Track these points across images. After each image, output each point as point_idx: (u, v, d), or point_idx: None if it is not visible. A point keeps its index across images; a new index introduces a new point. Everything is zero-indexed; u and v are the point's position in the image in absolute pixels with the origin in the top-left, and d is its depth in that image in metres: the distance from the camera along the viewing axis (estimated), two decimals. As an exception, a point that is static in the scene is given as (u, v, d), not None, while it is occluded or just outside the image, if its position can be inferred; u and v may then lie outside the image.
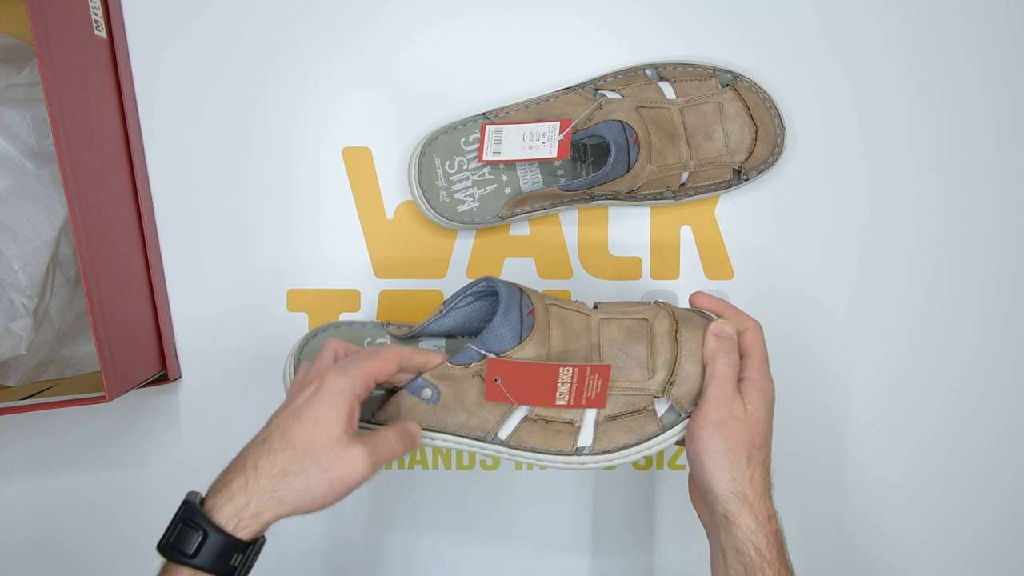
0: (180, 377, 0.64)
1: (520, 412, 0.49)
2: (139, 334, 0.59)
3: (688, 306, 0.54)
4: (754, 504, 0.46)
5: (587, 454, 0.50)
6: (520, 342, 0.47)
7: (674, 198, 0.62)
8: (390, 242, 0.64)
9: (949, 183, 0.64)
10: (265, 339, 0.64)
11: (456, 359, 0.48)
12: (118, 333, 0.55)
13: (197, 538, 0.40)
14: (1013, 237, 0.64)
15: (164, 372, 0.62)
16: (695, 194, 0.62)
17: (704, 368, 0.49)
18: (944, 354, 0.65)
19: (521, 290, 0.50)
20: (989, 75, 0.63)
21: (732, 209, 0.64)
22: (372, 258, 0.64)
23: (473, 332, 0.55)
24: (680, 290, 0.64)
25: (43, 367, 0.63)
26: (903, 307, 0.65)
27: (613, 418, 0.49)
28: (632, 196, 0.60)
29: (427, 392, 0.48)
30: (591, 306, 0.52)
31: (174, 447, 0.65)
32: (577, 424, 0.49)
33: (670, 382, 0.49)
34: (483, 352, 0.47)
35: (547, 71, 0.62)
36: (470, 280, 0.63)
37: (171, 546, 0.41)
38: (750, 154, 0.60)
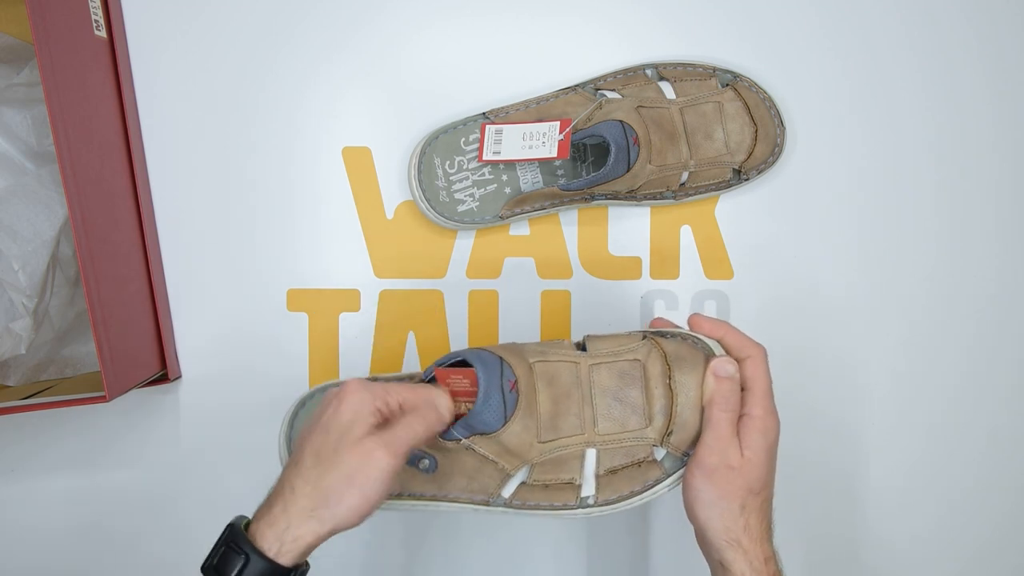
0: (180, 377, 0.64)
1: (517, 476, 0.49)
2: (139, 334, 0.59)
3: (687, 326, 0.51)
4: (749, 550, 0.45)
5: (592, 505, 0.49)
6: (505, 423, 0.47)
7: (674, 198, 0.62)
8: (390, 242, 0.64)
9: (949, 183, 0.64)
10: (265, 339, 0.64)
11: (447, 436, 0.48)
12: (118, 333, 0.55)
13: (239, 562, 0.40)
14: (1013, 236, 0.64)
15: (164, 372, 0.62)
16: (695, 194, 0.62)
17: (703, 411, 0.47)
18: (945, 353, 0.65)
19: (502, 361, 0.48)
20: (989, 74, 0.63)
21: (732, 209, 0.64)
22: (372, 258, 0.64)
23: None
24: (680, 290, 0.64)
25: (43, 367, 0.63)
26: (904, 306, 0.65)
27: (614, 471, 0.48)
28: (632, 196, 0.60)
29: (425, 463, 0.49)
30: (577, 344, 0.50)
31: (174, 447, 0.65)
32: (577, 483, 0.48)
33: (668, 432, 0.47)
34: (468, 433, 0.47)
35: (547, 71, 0.62)
36: (470, 279, 0.63)
37: (213, 568, 0.41)
38: (750, 154, 0.60)
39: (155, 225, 0.63)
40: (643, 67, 0.61)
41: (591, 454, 0.48)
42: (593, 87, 0.60)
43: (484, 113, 0.60)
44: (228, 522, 0.43)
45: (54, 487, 0.65)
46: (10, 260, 0.56)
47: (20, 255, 0.56)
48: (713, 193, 0.62)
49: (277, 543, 0.40)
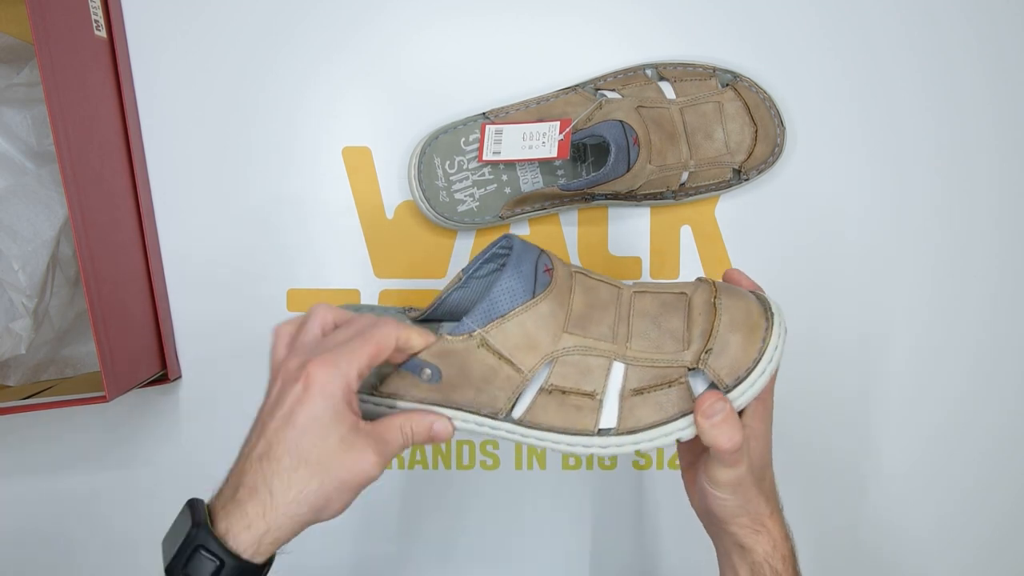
0: (180, 377, 0.64)
1: (534, 382, 0.44)
2: (139, 334, 0.59)
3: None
4: (771, 530, 0.45)
5: (613, 434, 0.43)
6: (533, 297, 0.42)
7: (674, 198, 0.62)
8: (390, 242, 0.64)
9: (949, 182, 0.64)
10: (265, 339, 0.63)
11: (455, 329, 0.42)
12: (118, 333, 0.55)
13: (211, 567, 0.38)
14: (1014, 236, 0.64)
15: (164, 372, 0.62)
16: (695, 194, 0.62)
17: (744, 334, 0.42)
18: (946, 352, 0.65)
19: (542, 250, 0.45)
20: (989, 74, 0.63)
21: (732, 209, 0.64)
22: (372, 258, 0.64)
23: None
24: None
25: (43, 367, 0.63)
26: (904, 305, 0.65)
27: (639, 392, 0.43)
28: (632, 196, 0.60)
29: (426, 372, 0.43)
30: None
31: (174, 447, 0.65)
32: (599, 397, 0.43)
33: (706, 350, 0.42)
34: (484, 321, 0.42)
35: (547, 71, 0.62)
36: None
37: (184, 573, 0.38)
38: (750, 154, 0.60)
39: (155, 225, 0.63)
40: (643, 67, 0.61)
41: (618, 369, 0.43)
42: (593, 87, 0.60)
43: (484, 113, 0.60)
44: (184, 510, 0.41)
45: (54, 487, 0.65)
46: (10, 260, 0.56)
47: (20, 255, 0.56)
48: (713, 193, 0.62)
49: (255, 546, 0.38)
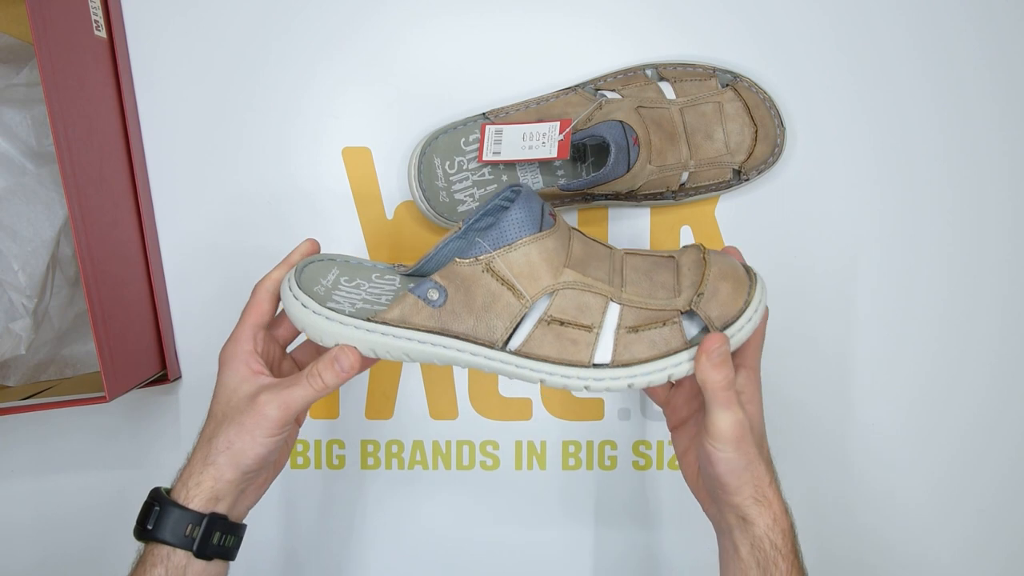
0: (180, 377, 0.64)
1: (533, 312, 0.45)
2: (139, 334, 0.59)
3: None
4: (772, 502, 0.46)
5: (607, 365, 0.45)
6: (540, 231, 0.44)
7: (674, 198, 0.62)
8: (390, 242, 0.64)
9: (950, 181, 0.64)
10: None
11: (465, 253, 0.45)
12: (118, 333, 0.55)
13: (155, 512, 0.46)
14: (1017, 235, 0.64)
15: (164, 372, 0.62)
16: (695, 194, 0.62)
17: (732, 284, 0.46)
18: (947, 350, 0.65)
19: (544, 206, 0.47)
20: (992, 73, 0.63)
21: (732, 209, 0.64)
22: (372, 258, 0.63)
23: None
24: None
25: (43, 367, 0.63)
26: (905, 305, 0.65)
27: (635, 329, 0.45)
28: (632, 196, 0.60)
29: (434, 293, 0.45)
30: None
31: (174, 447, 0.65)
32: (596, 330, 0.45)
33: (698, 294, 0.45)
34: (496, 245, 0.44)
35: (547, 71, 0.62)
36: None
37: (137, 524, 0.47)
38: (750, 154, 0.60)
39: (155, 225, 0.63)
40: (643, 67, 0.61)
41: (614, 309, 0.46)
42: (593, 87, 0.60)
43: (484, 113, 0.60)
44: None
45: (54, 487, 0.65)
46: (10, 260, 0.56)
47: (20, 255, 0.56)
48: (713, 193, 0.62)
49: (184, 490, 0.46)
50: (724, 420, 0.44)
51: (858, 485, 0.66)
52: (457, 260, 0.45)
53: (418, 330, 0.46)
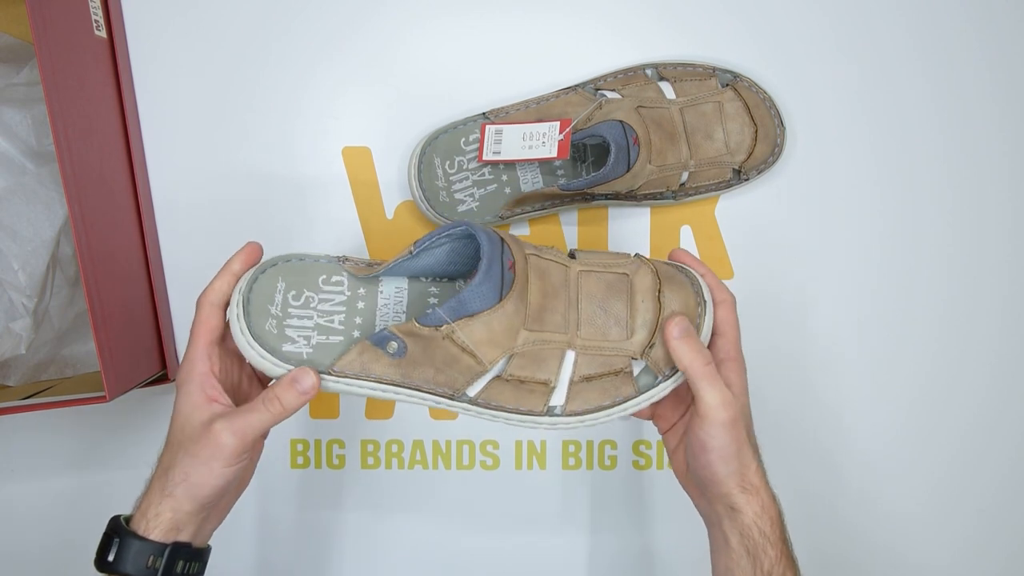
0: (180, 377, 0.64)
1: (493, 371, 0.47)
2: (139, 334, 0.59)
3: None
4: (760, 490, 0.46)
5: (558, 415, 0.48)
6: (500, 300, 0.45)
7: (674, 198, 0.62)
8: (390, 242, 0.64)
9: (950, 182, 0.64)
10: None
11: (425, 320, 0.45)
12: (118, 333, 0.55)
13: (115, 544, 0.44)
14: (1018, 234, 0.64)
15: (164, 372, 0.62)
16: (695, 194, 0.62)
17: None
18: (948, 350, 0.65)
19: (503, 241, 0.47)
20: (992, 73, 0.63)
21: (732, 209, 0.64)
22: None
23: (440, 275, 0.52)
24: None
25: (43, 367, 0.63)
26: (905, 306, 0.65)
27: (589, 379, 0.48)
28: (632, 196, 0.60)
29: (393, 345, 0.46)
30: (568, 254, 0.50)
31: (174, 447, 0.65)
32: (552, 384, 0.47)
33: (650, 344, 0.47)
34: (454, 317, 0.44)
35: (547, 71, 0.62)
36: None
37: (97, 556, 0.45)
38: (750, 154, 0.60)
39: (155, 225, 0.63)
40: (643, 67, 0.61)
41: (570, 357, 0.47)
42: (593, 87, 0.60)
43: (484, 113, 0.60)
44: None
45: (54, 487, 0.65)
46: (10, 260, 0.56)
47: (20, 255, 0.56)
48: (713, 193, 0.62)
49: (144, 521, 0.44)
50: (712, 396, 0.45)
51: (858, 485, 0.66)
52: (416, 324, 0.45)
53: (379, 381, 0.47)
